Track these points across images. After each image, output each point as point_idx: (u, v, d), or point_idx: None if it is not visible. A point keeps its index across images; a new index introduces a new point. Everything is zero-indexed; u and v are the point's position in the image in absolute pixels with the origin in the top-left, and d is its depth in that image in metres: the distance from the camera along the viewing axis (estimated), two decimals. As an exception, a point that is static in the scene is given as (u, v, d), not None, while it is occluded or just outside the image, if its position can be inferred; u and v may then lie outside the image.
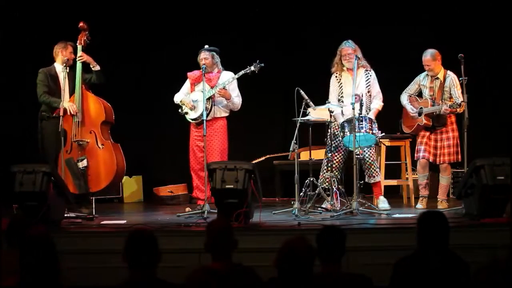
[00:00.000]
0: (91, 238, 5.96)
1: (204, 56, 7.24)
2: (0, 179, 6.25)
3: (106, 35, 7.38)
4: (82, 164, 7.06)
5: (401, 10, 8.73)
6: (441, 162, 7.18)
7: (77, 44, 7.24)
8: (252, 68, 7.15)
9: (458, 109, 6.98)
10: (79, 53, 7.22)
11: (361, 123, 6.74)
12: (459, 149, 7.12)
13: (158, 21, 8.83)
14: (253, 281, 3.61)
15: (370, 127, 6.77)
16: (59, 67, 7.18)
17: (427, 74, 7.24)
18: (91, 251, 5.75)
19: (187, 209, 7.19)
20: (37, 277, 3.26)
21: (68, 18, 8.40)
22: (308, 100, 7.00)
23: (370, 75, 7.20)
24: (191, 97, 7.26)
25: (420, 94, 7.35)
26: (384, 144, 7.54)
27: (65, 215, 6.57)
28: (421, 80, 7.29)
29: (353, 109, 6.73)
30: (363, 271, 4.15)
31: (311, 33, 8.85)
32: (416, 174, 8.01)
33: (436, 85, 7.18)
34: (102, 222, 6.51)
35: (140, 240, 3.34)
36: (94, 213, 6.87)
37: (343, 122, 6.91)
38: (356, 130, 6.65)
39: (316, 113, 7.07)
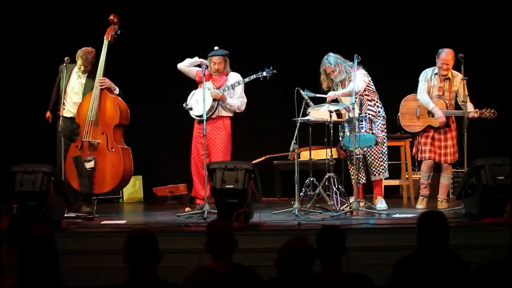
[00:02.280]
0: (91, 238, 5.96)
1: (219, 61, 7.17)
2: (0, 179, 6.25)
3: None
4: (89, 164, 7.03)
5: (401, 10, 8.72)
6: (446, 162, 7.13)
7: (104, 38, 7.21)
8: (264, 73, 7.13)
9: (489, 116, 6.92)
10: (104, 50, 7.18)
11: (361, 123, 6.74)
12: (457, 148, 7.13)
13: (164, 22, 8.83)
14: (253, 281, 3.61)
15: (370, 127, 6.78)
16: (75, 68, 7.22)
17: (436, 73, 7.13)
18: (91, 251, 5.75)
19: (187, 209, 7.18)
20: (37, 277, 3.26)
21: (68, 18, 8.45)
22: (308, 100, 7.00)
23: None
24: (196, 96, 7.18)
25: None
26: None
27: (65, 215, 6.57)
28: (429, 79, 7.16)
29: (353, 109, 6.73)
30: (363, 271, 4.16)
31: (311, 33, 8.85)
32: (417, 174, 8.01)
33: (446, 86, 7.10)
34: (102, 222, 6.50)
35: (140, 240, 3.34)
36: (94, 213, 6.86)
37: (343, 122, 6.91)
38: (356, 130, 6.66)
39: (316, 113, 7.07)
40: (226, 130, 7.26)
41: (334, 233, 3.67)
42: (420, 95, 7.18)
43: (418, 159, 7.30)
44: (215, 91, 7.10)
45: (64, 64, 7.10)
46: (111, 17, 7.29)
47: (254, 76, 7.15)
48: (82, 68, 7.17)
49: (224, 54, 7.22)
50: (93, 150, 7.09)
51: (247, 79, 7.16)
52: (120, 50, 8.28)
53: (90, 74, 7.20)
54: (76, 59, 7.19)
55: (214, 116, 7.15)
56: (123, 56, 8.52)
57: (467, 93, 7.01)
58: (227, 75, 7.26)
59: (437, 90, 7.15)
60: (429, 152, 7.14)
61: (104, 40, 7.22)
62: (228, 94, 7.18)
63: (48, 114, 7.33)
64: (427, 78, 7.17)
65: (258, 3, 8.92)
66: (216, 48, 7.23)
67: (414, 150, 7.36)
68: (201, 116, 7.08)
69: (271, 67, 7.13)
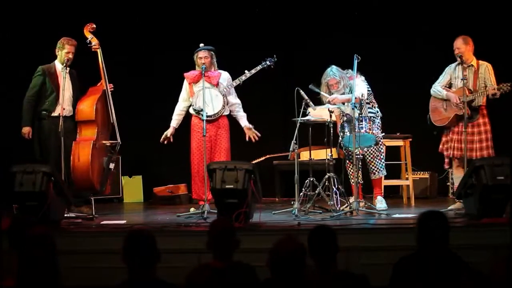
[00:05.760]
0: (91, 238, 5.96)
1: (204, 55, 7.20)
2: (0, 179, 6.25)
3: (110, 35, 7.38)
4: (112, 165, 7.14)
5: (401, 12, 8.72)
6: (477, 157, 6.71)
7: (97, 48, 7.21)
8: (268, 62, 7.21)
9: (507, 89, 6.64)
10: (101, 58, 7.18)
11: (361, 123, 6.74)
12: (488, 144, 6.84)
13: (161, 25, 8.82)
14: (251, 279, 3.62)
15: (370, 127, 6.78)
16: (59, 66, 7.12)
17: (458, 64, 6.84)
18: (91, 251, 5.75)
19: (192, 209, 7.04)
20: (37, 277, 3.26)
21: (67, 19, 8.44)
22: (308, 100, 7.00)
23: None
24: (204, 97, 7.04)
25: (449, 86, 6.98)
26: (384, 144, 7.52)
27: (65, 215, 6.57)
28: (453, 71, 6.90)
29: (353, 109, 6.72)
30: (363, 271, 4.15)
31: (311, 33, 8.85)
32: (417, 174, 7.99)
33: (470, 73, 6.84)
34: (102, 222, 6.51)
35: (139, 241, 3.34)
36: (94, 213, 6.86)
37: (343, 122, 6.91)
38: (356, 130, 6.66)
39: (316, 113, 7.07)
40: (226, 129, 7.29)
41: (323, 233, 3.68)
42: (433, 88, 6.99)
43: (449, 155, 6.92)
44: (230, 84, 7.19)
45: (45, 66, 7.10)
46: (93, 25, 7.28)
47: (260, 67, 7.21)
48: (70, 55, 7.04)
49: (210, 49, 7.25)
50: (115, 152, 7.20)
51: (253, 71, 7.20)
52: (121, 50, 8.32)
53: (70, 67, 7.13)
54: (59, 51, 7.08)
55: (218, 116, 7.19)
56: (123, 56, 8.53)
57: (493, 82, 6.77)
58: (217, 71, 7.27)
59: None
60: (455, 149, 6.83)
61: (98, 50, 7.21)
62: (227, 92, 7.23)
63: (27, 129, 7.09)
64: (449, 71, 6.96)
65: (259, 4, 8.93)
66: (201, 44, 7.25)
67: (441, 146, 7.02)
68: (214, 115, 7.13)
69: (274, 56, 7.17)
